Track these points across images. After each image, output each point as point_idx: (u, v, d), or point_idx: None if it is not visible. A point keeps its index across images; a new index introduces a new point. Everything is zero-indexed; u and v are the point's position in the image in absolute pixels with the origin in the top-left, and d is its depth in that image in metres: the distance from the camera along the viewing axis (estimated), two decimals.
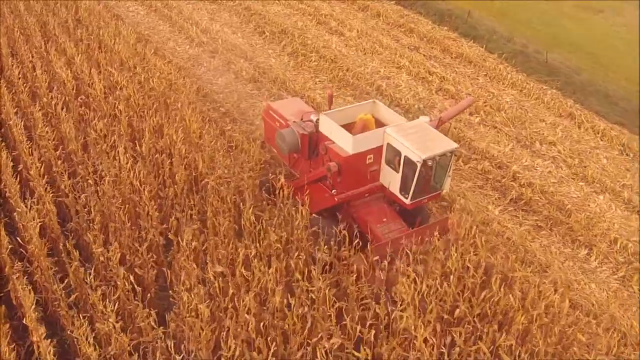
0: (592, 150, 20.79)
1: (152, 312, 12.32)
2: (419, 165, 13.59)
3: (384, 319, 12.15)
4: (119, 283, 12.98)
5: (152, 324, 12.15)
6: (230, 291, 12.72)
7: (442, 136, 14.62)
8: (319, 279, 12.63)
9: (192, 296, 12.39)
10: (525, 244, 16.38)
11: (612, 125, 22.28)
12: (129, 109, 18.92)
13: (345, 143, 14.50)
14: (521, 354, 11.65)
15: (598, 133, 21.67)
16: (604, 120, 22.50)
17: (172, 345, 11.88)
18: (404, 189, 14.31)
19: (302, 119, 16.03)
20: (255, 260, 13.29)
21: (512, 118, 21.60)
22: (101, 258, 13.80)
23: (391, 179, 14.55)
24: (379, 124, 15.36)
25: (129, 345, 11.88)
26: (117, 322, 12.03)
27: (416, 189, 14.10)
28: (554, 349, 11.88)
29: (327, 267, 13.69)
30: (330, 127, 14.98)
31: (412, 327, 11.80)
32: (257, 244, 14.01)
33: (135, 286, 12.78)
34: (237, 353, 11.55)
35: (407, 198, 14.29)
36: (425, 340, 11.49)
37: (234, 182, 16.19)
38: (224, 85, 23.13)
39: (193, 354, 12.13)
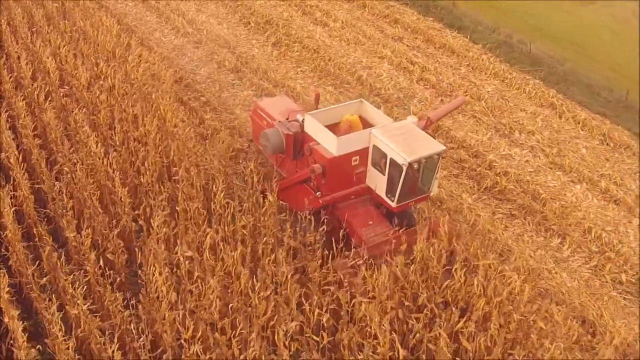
0: (571, 140, 20.44)
1: (119, 295, 12.41)
2: (404, 168, 13.16)
3: (344, 306, 11.92)
4: (88, 267, 13.05)
5: (120, 306, 12.21)
6: (196, 274, 12.68)
7: (429, 138, 14.14)
8: (283, 263, 12.51)
9: (158, 279, 12.29)
10: (497, 232, 16.06)
11: (593, 115, 21.91)
12: (111, 98, 18.77)
13: (330, 144, 14.02)
14: (481, 340, 11.36)
15: (579, 123, 21.30)
16: (586, 110, 22.12)
17: (141, 327, 11.83)
18: (390, 191, 13.86)
19: (287, 119, 15.53)
20: (222, 244, 13.24)
21: (492, 107, 21.26)
22: (74, 243, 13.89)
23: (377, 181, 14.09)
24: (366, 124, 14.89)
25: (96, 327, 11.85)
26: (86, 304, 12.04)
27: (402, 192, 13.65)
28: (513, 335, 11.57)
29: (293, 252, 13.50)
30: (315, 128, 14.50)
31: (372, 315, 11.55)
32: (225, 229, 13.91)
33: (105, 270, 12.83)
34: (198, 334, 11.40)
35: (393, 201, 13.83)
36: (382, 327, 11.21)
37: (205, 168, 16.11)
38: (206, 75, 22.92)
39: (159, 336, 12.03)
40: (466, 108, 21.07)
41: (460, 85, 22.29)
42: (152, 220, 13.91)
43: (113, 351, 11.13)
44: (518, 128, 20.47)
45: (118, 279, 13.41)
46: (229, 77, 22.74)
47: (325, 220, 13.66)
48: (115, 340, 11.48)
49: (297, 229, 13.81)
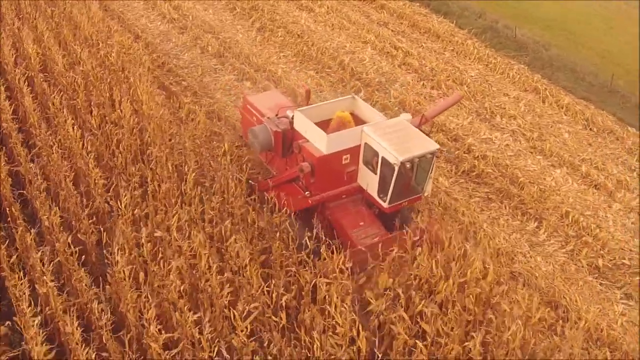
0: (554, 125, 19.96)
1: (84, 273, 12.34)
2: (396, 167, 12.46)
3: (305, 286, 11.60)
4: (57, 246, 12.94)
5: (86, 285, 12.11)
6: (159, 255, 12.39)
7: (423, 136, 13.39)
8: (243, 245, 12.22)
9: (123, 259, 12.12)
10: (473, 216, 15.61)
11: (578, 100, 21.43)
12: (89, 83, 18.49)
13: (320, 142, 13.29)
14: (439, 322, 10.98)
15: (562, 107, 20.84)
16: (570, 95, 21.64)
17: (109, 306, 11.86)
18: (382, 191, 13.14)
19: (277, 115, 14.72)
20: (186, 225, 12.99)
21: (474, 92, 20.78)
22: (46, 223, 13.73)
23: (369, 181, 13.37)
24: (358, 121, 14.19)
25: (61, 304, 11.73)
26: (53, 283, 11.92)
27: (395, 192, 12.92)
28: (472, 317, 11.16)
29: (258, 233, 13.19)
30: (305, 125, 13.74)
31: (333, 296, 11.18)
32: (194, 210, 13.64)
33: (74, 249, 12.68)
34: (155, 314, 11.17)
35: (385, 201, 13.10)
36: (342, 308, 10.85)
37: (179, 150, 15.82)
38: (189, 60, 22.56)
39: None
40: (448, 92, 20.59)
41: (443, 70, 21.81)
42: (119, 202, 13.72)
43: (74, 328, 10.96)
44: (500, 112, 20.01)
45: (86, 258, 13.16)
46: (211, 62, 22.35)
47: (317, 221, 12.96)
48: (76, 317, 11.30)
49: (265, 208, 13.43)
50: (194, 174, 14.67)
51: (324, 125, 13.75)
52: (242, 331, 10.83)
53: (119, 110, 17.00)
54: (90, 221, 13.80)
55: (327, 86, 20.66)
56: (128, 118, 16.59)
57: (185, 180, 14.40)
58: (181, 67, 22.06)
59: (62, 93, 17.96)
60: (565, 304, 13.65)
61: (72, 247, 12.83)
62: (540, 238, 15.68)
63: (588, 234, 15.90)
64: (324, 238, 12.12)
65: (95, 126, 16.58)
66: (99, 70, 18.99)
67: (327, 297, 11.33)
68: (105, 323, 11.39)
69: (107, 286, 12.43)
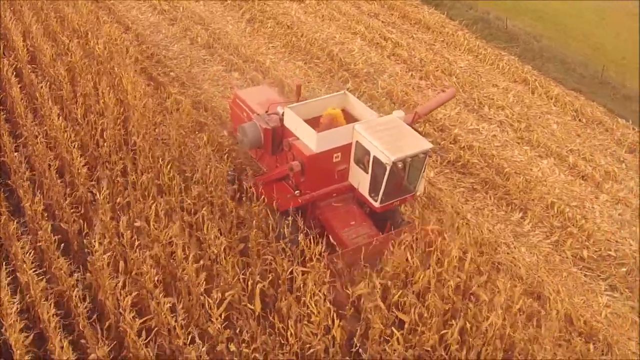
0: (542, 115, 19.77)
1: (64, 261, 12.26)
2: (388, 167, 12.09)
3: (281, 275, 11.50)
4: (40, 234, 12.93)
5: (66, 273, 12.03)
6: (136, 243, 12.27)
7: (415, 134, 13.02)
8: (219, 233, 12.09)
9: (101, 248, 12.08)
10: (457, 206, 15.45)
11: (568, 92, 21.23)
12: (76, 74, 18.37)
13: (310, 140, 12.88)
14: (416, 311, 10.84)
15: (552, 98, 20.64)
16: (560, 87, 21.43)
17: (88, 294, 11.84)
18: (373, 190, 12.77)
19: (267, 111, 14.23)
20: (163, 214, 12.87)
21: (463, 83, 20.59)
22: (29, 212, 13.71)
23: (360, 180, 13.00)
24: (350, 118, 13.77)
25: (41, 291, 11.66)
26: (34, 270, 11.88)
27: (386, 191, 12.56)
28: (450, 307, 11.00)
29: (236, 222, 13.08)
30: (295, 122, 13.32)
31: (309, 285, 11.05)
32: (174, 199, 13.53)
33: (54, 237, 12.62)
34: (133, 301, 11.16)
35: (376, 200, 12.74)
36: (317, 296, 10.71)
37: (162, 140, 15.73)
38: (178, 51, 22.40)
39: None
40: (436, 83, 20.42)
41: (432, 61, 21.62)
42: (96, 191, 13.70)
43: (50, 315, 10.93)
44: (488, 103, 19.82)
45: (69, 246, 13.20)
46: (200, 53, 22.19)
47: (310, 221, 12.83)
48: (55, 305, 11.31)
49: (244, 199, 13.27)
50: (175, 164, 14.60)
51: (315, 122, 13.39)
52: (216, 319, 10.69)
53: (103, 101, 16.90)
54: (72, 210, 13.76)
55: (315, 77, 20.49)
56: (112, 108, 16.45)
57: (170, 170, 14.25)
58: (170, 58, 21.89)
59: (49, 84, 17.85)
60: (548, 294, 13.46)
61: (52, 235, 12.75)
62: (524, 229, 15.52)
63: (573, 225, 15.73)
64: (302, 227, 11.94)
65: (80, 116, 16.46)
66: (86, 61, 18.86)
67: (302, 286, 11.17)
68: (82, 310, 11.31)
69: (88, 274, 12.38)
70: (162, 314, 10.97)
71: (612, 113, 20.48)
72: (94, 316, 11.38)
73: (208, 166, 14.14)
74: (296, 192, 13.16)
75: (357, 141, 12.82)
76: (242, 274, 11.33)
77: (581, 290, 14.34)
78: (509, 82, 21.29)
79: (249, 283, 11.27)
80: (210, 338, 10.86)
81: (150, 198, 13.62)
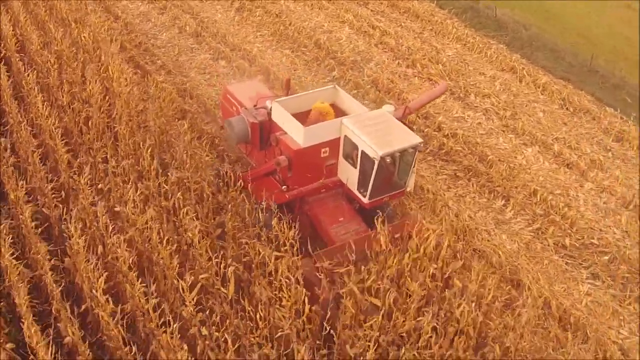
0: (529, 104, 19.61)
1: (46, 246, 12.30)
2: (376, 162, 11.88)
3: (254, 258, 11.45)
4: (21, 218, 12.96)
5: (42, 257, 12.00)
6: (110, 227, 12.16)
7: (404, 129, 12.78)
8: (193, 216, 12.07)
9: (77, 232, 11.95)
10: (438, 193, 15.31)
11: (556, 80, 21.07)
12: (63, 62, 18.29)
13: (297, 135, 12.66)
14: (391, 296, 10.73)
15: (539, 87, 20.48)
16: (548, 75, 21.27)
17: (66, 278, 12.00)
18: (362, 186, 12.56)
19: (255, 106, 13.99)
20: (139, 199, 12.80)
21: (449, 71, 20.43)
22: (12, 196, 13.73)
23: (349, 175, 12.78)
24: (340, 112, 13.57)
25: (17, 275, 11.61)
26: (12, 255, 11.92)
27: (375, 187, 12.34)
28: (426, 293, 10.89)
29: (215, 207, 13.01)
30: (282, 116, 13.11)
31: (283, 269, 10.94)
32: (152, 185, 13.38)
33: (33, 222, 12.65)
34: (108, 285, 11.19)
35: (365, 196, 12.52)
36: (288, 280, 10.64)
37: (145, 126, 15.64)
38: (167, 40, 22.32)
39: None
40: (423, 71, 20.22)
41: (419, 49, 21.45)
42: (78, 177, 13.55)
43: (22, 299, 10.94)
44: (474, 91, 19.68)
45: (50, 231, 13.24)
46: (188, 42, 22.09)
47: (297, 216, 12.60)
48: (29, 289, 11.36)
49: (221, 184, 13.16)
50: (155, 150, 14.53)
51: (305, 116, 13.16)
52: (189, 302, 10.61)
53: (89, 88, 16.85)
54: (54, 196, 13.72)
55: (302, 65, 20.37)
56: (97, 96, 16.41)
57: (150, 156, 14.16)
58: (158, 47, 21.81)
59: (35, 72, 17.78)
60: (527, 282, 13.33)
61: (32, 220, 12.77)
62: (506, 216, 15.42)
63: (556, 213, 15.61)
64: (276, 211, 11.83)
65: (65, 104, 16.41)
66: (73, 49, 18.78)
67: (275, 270, 11.06)
68: (56, 293, 11.28)
69: (67, 258, 12.30)
70: (136, 296, 10.92)
71: (600, 102, 20.31)
72: (71, 301, 11.28)
73: (187, 152, 14.04)
74: (283, 187, 12.89)
75: (345, 136, 12.58)
76: (216, 258, 11.22)
77: (562, 278, 14.23)
78: (496, 70, 21.12)
79: (222, 266, 11.18)
80: (184, 321, 10.81)
81: (130, 184, 13.58)
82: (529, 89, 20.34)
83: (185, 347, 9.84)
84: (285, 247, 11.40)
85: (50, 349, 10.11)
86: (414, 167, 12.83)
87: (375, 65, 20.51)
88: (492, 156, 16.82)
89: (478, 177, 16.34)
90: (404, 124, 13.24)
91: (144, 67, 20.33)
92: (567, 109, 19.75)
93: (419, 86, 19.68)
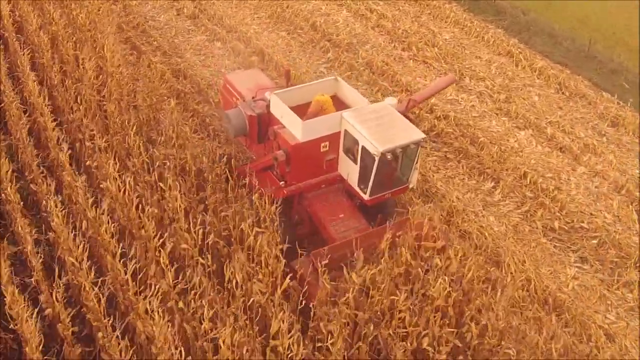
0: (524, 88, 19.27)
1: (25, 222, 12.30)
2: (376, 158, 11.37)
3: (232, 232, 11.37)
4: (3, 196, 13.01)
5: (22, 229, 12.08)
6: (90, 200, 12.21)
7: (407, 124, 12.20)
8: (181, 192, 11.98)
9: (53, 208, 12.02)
10: (427, 174, 15.06)
11: (553, 65, 20.69)
12: (59, 42, 18.22)
13: (295, 129, 12.13)
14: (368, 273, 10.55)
15: (535, 71, 20.10)
16: (546, 60, 20.90)
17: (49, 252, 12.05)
18: (362, 182, 12.05)
19: (254, 97, 13.43)
20: (126, 175, 12.74)
21: (445, 54, 20.11)
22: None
23: (350, 170, 12.27)
24: (341, 104, 13.02)
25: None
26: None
27: (376, 183, 11.84)
28: (403, 271, 10.69)
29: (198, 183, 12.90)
30: (280, 109, 12.57)
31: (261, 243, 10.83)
32: (138, 161, 13.33)
33: (19, 198, 12.64)
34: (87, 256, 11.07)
35: (365, 192, 12.02)
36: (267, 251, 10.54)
37: (134, 105, 15.59)
38: (164, 22, 22.13)
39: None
40: (418, 54, 19.91)
41: (416, 32, 21.12)
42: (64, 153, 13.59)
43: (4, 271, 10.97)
44: (469, 74, 19.35)
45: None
46: (185, 24, 21.90)
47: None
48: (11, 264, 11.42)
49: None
50: (144, 127, 14.47)
51: (305, 108, 12.64)
52: (169, 273, 10.50)
53: (81, 67, 16.75)
54: (41, 172, 13.69)
55: (297, 46, 20.16)
56: (89, 74, 16.31)
57: (137, 133, 14.08)
58: (155, 29, 21.63)
59: (31, 52, 17.73)
60: (512, 264, 13.07)
61: (8, 195, 12.76)
62: (495, 198, 15.17)
63: (546, 196, 15.34)
64: (256, 186, 11.65)
65: (58, 82, 16.36)
66: (69, 30, 18.67)
67: (255, 245, 10.92)
68: (37, 264, 11.26)
69: (51, 233, 12.31)
70: (117, 268, 10.83)
71: (596, 87, 19.90)
72: (54, 274, 11.16)
73: (173, 128, 13.91)
74: (281, 183, 12.41)
75: (345, 130, 12.08)
76: (196, 231, 11.08)
77: (549, 261, 13.98)
78: (493, 54, 20.76)
79: (201, 239, 11.06)
80: (163, 293, 10.71)
81: (117, 160, 13.49)
82: (525, 73, 19.97)
83: (162, 316, 9.71)
84: (266, 224, 11.28)
85: (33, 321, 10.00)
86: (417, 162, 12.29)
87: (370, 47, 20.21)
88: (483, 138, 16.53)
89: (468, 159, 16.06)
90: (407, 118, 12.62)
91: (139, 48, 20.21)
92: (562, 93, 19.38)
93: (414, 69, 19.41)
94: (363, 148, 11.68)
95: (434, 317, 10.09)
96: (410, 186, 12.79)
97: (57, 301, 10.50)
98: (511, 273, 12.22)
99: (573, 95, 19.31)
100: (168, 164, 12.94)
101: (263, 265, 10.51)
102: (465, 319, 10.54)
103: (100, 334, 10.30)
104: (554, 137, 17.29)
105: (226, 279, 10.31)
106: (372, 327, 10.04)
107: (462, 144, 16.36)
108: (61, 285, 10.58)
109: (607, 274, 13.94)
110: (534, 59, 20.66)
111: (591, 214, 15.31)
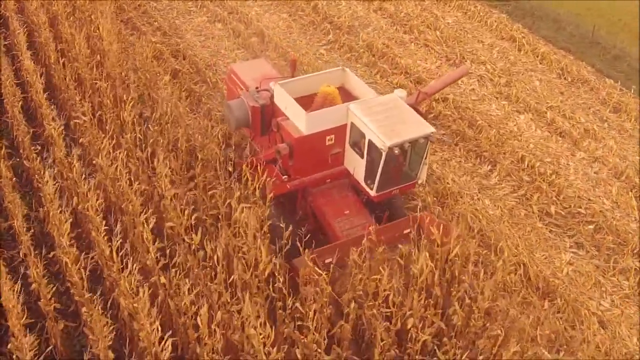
0: (525, 72, 18.71)
1: (22, 197, 12.49)
2: (384, 153, 10.72)
3: (220, 208, 11.12)
4: None
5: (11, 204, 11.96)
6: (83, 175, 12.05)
7: (416, 117, 11.45)
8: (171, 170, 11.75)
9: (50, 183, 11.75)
10: None
11: (556, 50, 20.08)
12: (58, 22, 18.00)
13: (299, 121, 11.44)
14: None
15: (538, 56, 19.53)
16: (549, 45, 20.29)
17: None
18: (369, 177, 11.38)
19: (257, 88, 12.66)
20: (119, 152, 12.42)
21: (447, 37, 19.57)
22: None
23: (356, 165, 11.60)
24: (348, 95, 12.35)
25: None
26: None
27: (383, 179, 11.19)
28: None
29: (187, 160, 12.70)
30: (285, 100, 11.85)
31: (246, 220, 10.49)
32: (129, 137, 13.05)
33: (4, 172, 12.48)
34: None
35: (372, 189, 11.36)
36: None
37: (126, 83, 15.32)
38: (166, 4, 21.78)
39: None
40: (419, 37, 19.39)
41: (418, 16, 20.60)
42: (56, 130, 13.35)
43: None
44: (470, 58, 18.81)
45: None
46: (187, 5, 21.53)
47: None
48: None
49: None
50: (136, 104, 14.20)
51: (311, 99, 11.97)
52: (153, 249, 10.23)
53: (77, 46, 16.48)
54: (33, 148, 13.47)
55: (297, 28, 19.73)
56: (83, 53, 16.08)
57: (131, 110, 13.76)
58: (157, 10, 21.30)
59: (30, 31, 17.63)
60: (506, 247, 12.63)
61: (12, 171, 12.78)
62: (491, 181, 14.71)
63: (544, 180, 14.82)
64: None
65: (54, 60, 16.13)
66: (69, 9, 18.42)
67: (240, 220, 10.59)
68: (25, 239, 11.01)
69: (41, 208, 12.19)
70: (102, 243, 10.58)
71: (600, 73, 19.29)
72: (42, 249, 10.98)
73: (166, 105, 13.59)
74: (284, 177, 11.78)
75: (352, 122, 11.40)
76: (182, 208, 10.78)
77: (544, 246, 13.51)
78: (495, 39, 20.18)
79: (188, 215, 10.75)
80: (147, 269, 10.47)
81: (109, 137, 13.21)
82: (527, 57, 19.39)
83: (145, 293, 9.44)
84: (255, 198, 10.96)
85: (17, 295, 9.76)
86: (426, 157, 11.55)
87: (372, 30, 19.72)
88: (482, 122, 16.04)
89: (466, 142, 15.59)
90: (417, 111, 11.91)
91: (140, 28, 19.91)
92: (565, 78, 18.79)
93: (414, 52, 18.90)
94: (370, 142, 11.02)
95: (419, 297, 9.72)
96: (419, 182, 12.07)
97: (38, 277, 10.27)
98: (503, 257, 11.76)
99: (575, 81, 18.73)
100: (161, 140, 12.66)
101: (249, 240, 10.16)
102: (452, 300, 10.19)
103: (84, 309, 10.09)
104: (554, 122, 16.76)
105: (207, 255, 10.00)
106: (355, 307, 9.69)
107: (460, 127, 15.88)
108: (40, 261, 10.35)
109: (603, 260, 13.43)
110: (537, 44, 20.06)
111: (589, 199, 14.80)
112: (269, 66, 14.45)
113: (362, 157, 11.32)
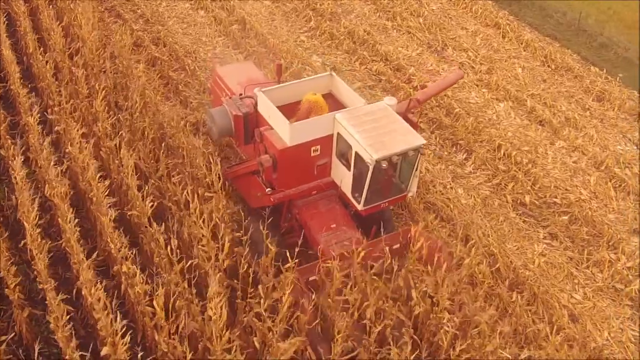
0: (508, 59, 18.46)
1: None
2: (371, 167, 10.18)
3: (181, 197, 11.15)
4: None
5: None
6: (80, 157, 12.00)
7: (406, 127, 10.80)
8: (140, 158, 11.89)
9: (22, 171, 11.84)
10: None
11: (541, 37, 19.78)
12: (37, 12, 17.89)
13: (283, 131, 10.79)
14: None
15: (522, 43, 19.23)
16: (534, 32, 19.98)
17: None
18: (356, 190, 10.86)
19: (241, 95, 11.94)
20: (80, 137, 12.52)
21: (429, 24, 19.29)
22: None
23: (343, 177, 11.04)
24: (337, 103, 11.76)
25: None
26: None
27: (371, 193, 10.67)
28: None
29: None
30: (268, 109, 11.17)
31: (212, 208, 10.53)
32: (100, 126, 12.98)
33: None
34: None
35: (359, 202, 10.81)
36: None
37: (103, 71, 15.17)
38: None
39: None
40: (402, 24, 19.12)
41: (402, 2, 20.29)
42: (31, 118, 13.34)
43: None
44: (452, 45, 18.53)
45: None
46: None
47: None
48: None
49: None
50: (110, 93, 14.12)
51: (297, 106, 11.38)
52: (115, 238, 10.25)
53: (55, 35, 16.37)
54: (8, 137, 13.41)
55: (280, 15, 19.50)
56: (60, 42, 15.99)
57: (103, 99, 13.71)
58: None
59: (8, 21, 17.41)
60: (476, 238, 12.50)
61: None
62: (466, 170, 14.57)
63: (520, 169, 14.64)
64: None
65: (32, 49, 15.98)
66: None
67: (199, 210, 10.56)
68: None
69: (13, 196, 12.06)
70: (67, 230, 10.57)
71: (585, 60, 19.00)
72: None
73: (138, 93, 13.49)
74: (268, 190, 11.21)
75: (338, 133, 10.80)
76: (144, 196, 10.76)
77: (517, 236, 13.34)
78: (480, 26, 19.89)
79: (147, 201, 10.75)
80: (110, 258, 10.47)
81: (80, 125, 13.15)
82: (512, 45, 19.12)
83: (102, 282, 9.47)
84: (215, 189, 10.90)
85: None
86: (417, 170, 11.02)
87: (355, 17, 19.47)
88: (459, 109, 15.86)
89: (442, 129, 15.43)
90: (408, 120, 11.36)
91: (123, 16, 19.73)
92: (548, 66, 18.52)
93: (396, 39, 18.65)
94: (357, 154, 10.46)
95: (373, 289, 9.63)
96: (410, 194, 11.57)
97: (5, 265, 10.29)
98: (471, 247, 11.62)
99: (559, 69, 18.46)
100: (127, 130, 12.58)
101: (206, 228, 10.12)
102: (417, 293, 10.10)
103: (48, 297, 10.11)
104: (534, 110, 16.54)
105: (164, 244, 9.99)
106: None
107: (437, 115, 15.70)
108: (7, 249, 10.35)
109: (577, 251, 13.24)
110: (522, 31, 19.77)
111: (566, 189, 14.62)
112: (256, 70, 13.85)
113: (349, 169, 10.83)
